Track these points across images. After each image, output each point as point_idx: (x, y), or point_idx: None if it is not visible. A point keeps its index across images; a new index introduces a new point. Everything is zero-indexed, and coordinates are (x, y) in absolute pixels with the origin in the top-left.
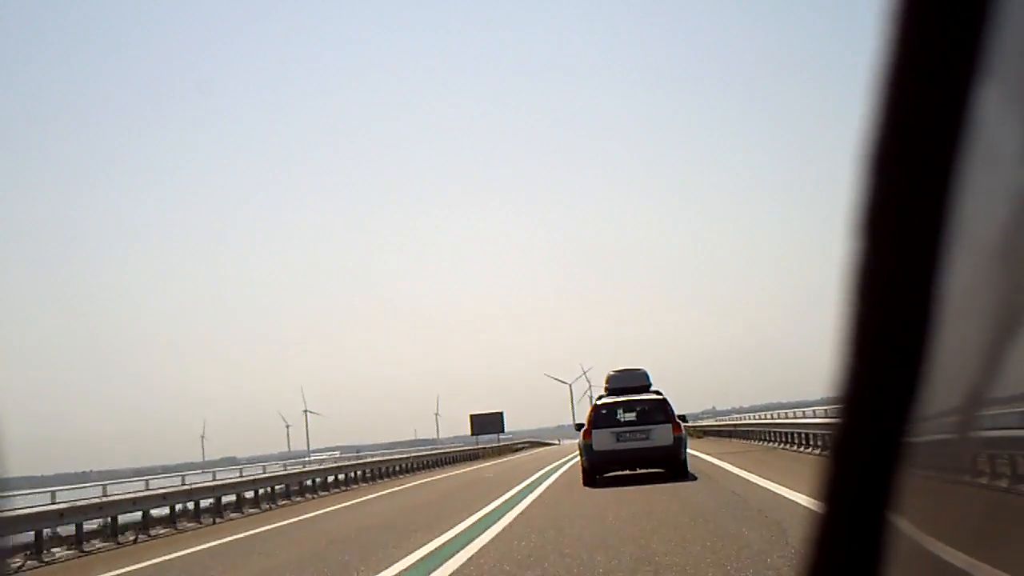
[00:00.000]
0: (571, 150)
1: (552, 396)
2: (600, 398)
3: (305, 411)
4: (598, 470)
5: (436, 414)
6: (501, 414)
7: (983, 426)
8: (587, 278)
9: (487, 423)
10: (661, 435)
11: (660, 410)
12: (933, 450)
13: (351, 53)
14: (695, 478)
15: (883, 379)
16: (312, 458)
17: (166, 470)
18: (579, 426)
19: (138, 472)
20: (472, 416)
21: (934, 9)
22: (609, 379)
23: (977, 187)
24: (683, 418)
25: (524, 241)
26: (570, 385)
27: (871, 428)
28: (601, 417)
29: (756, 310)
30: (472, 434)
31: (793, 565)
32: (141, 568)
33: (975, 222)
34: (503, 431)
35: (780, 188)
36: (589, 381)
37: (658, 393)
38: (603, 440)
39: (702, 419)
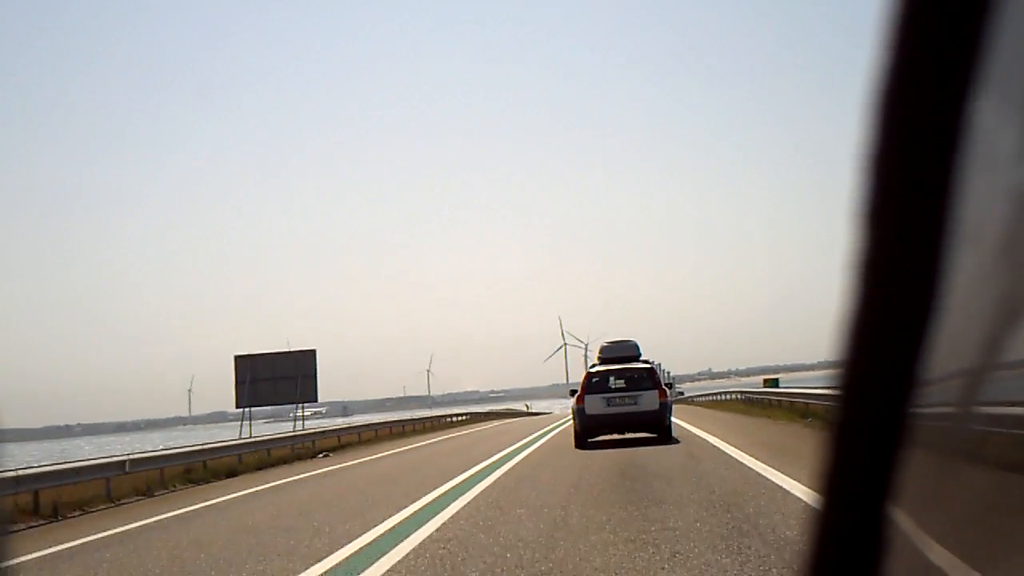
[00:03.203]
0: (570, 122)
1: (553, 358)
2: (593, 366)
3: None
4: (589, 433)
5: (428, 371)
6: (312, 355)
7: (986, 401)
8: (588, 245)
9: (269, 382)
10: (648, 401)
11: (648, 378)
12: (934, 429)
13: (345, 45)
14: (678, 442)
15: (883, 372)
16: (296, 415)
17: (151, 424)
18: (573, 391)
19: (122, 427)
20: (237, 360)
21: (933, 9)
22: (602, 349)
23: (976, 185)
24: (670, 385)
25: (525, 209)
26: (564, 344)
27: (870, 422)
28: (593, 384)
29: (753, 276)
30: (238, 404)
31: None
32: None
33: (975, 219)
34: (314, 397)
35: (781, 159)
36: (587, 358)
37: (647, 362)
38: (595, 405)
39: (699, 380)
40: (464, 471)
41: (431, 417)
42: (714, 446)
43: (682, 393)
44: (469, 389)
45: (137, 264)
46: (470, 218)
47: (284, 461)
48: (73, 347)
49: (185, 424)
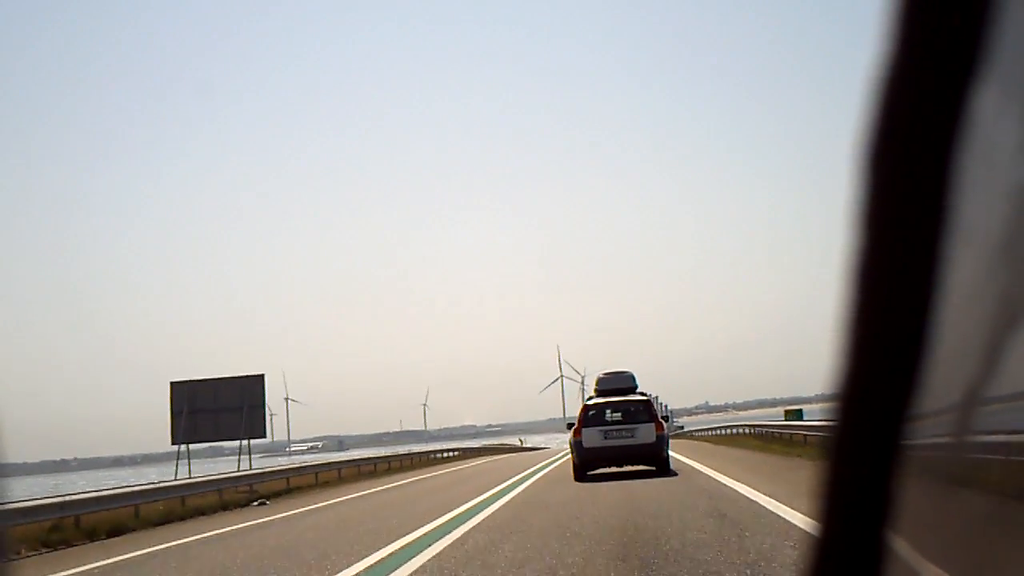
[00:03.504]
0: (567, 151)
1: (551, 391)
2: (590, 399)
3: (287, 399)
4: (588, 466)
5: (424, 405)
6: (259, 381)
7: (983, 428)
8: (584, 276)
9: (210, 414)
10: (645, 433)
11: (644, 411)
12: (932, 454)
13: (342, 51)
14: (676, 474)
15: (882, 377)
16: (292, 449)
17: (148, 459)
18: (570, 424)
19: (119, 461)
20: (173, 387)
21: (933, 7)
22: (598, 381)
23: (975, 183)
24: (666, 418)
25: (520, 238)
26: (561, 376)
27: (869, 430)
28: (590, 417)
29: (750, 308)
30: (173, 440)
31: None
32: None
33: (974, 218)
34: (262, 432)
35: (777, 185)
36: (583, 390)
37: (643, 395)
38: (592, 438)
39: (696, 413)
40: (408, 533)
41: (417, 453)
42: (752, 501)
43: (682, 427)
44: (467, 423)
45: (132, 296)
46: (467, 250)
47: (202, 512)
48: (70, 380)
49: (182, 459)
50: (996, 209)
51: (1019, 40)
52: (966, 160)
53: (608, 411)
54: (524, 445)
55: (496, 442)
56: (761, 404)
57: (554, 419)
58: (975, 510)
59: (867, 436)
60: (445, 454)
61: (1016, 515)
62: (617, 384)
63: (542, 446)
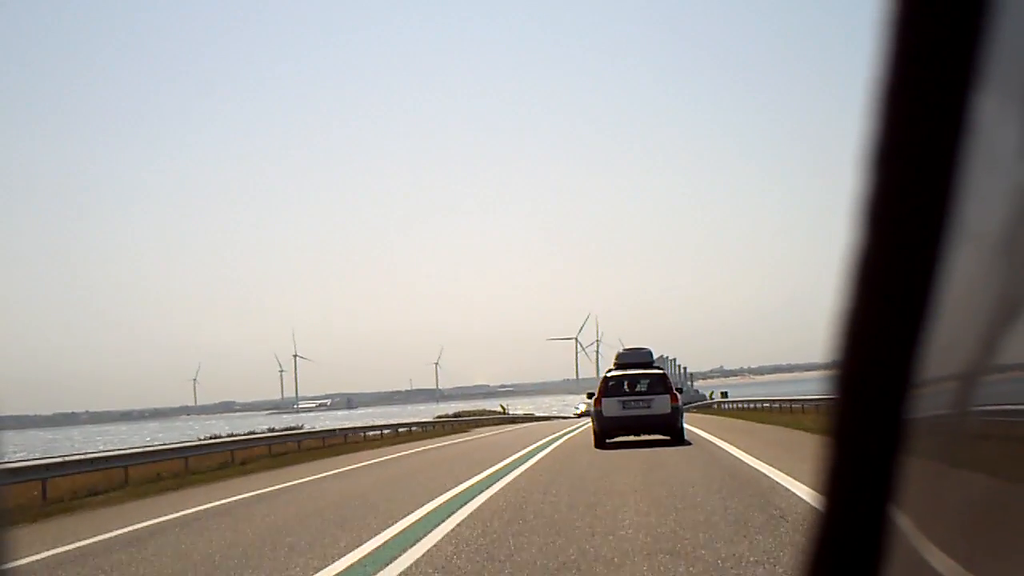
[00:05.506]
0: (586, 119)
1: (562, 352)
2: (610, 371)
3: (295, 356)
4: (608, 434)
5: (435, 364)
6: None
7: (978, 425)
8: (603, 243)
9: None
10: (660, 404)
11: (660, 383)
12: (930, 451)
13: (335, 46)
14: (690, 443)
15: (881, 370)
16: (300, 406)
17: (157, 413)
18: (590, 394)
19: (127, 415)
20: None
21: (934, 9)
22: (618, 356)
23: (977, 183)
24: (680, 390)
25: (543, 206)
26: (576, 338)
27: (870, 423)
28: (610, 388)
29: (767, 273)
30: None
31: None
32: None
33: (974, 217)
34: None
35: (792, 164)
36: (599, 355)
37: (659, 368)
38: (611, 407)
39: (711, 377)
40: None
41: (354, 428)
42: None
43: (725, 394)
44: (479, 383)
45: (146, 254)
46: (486, 210)
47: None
48: (83, 335)
49: (189, 414)
50: (997, 209)
51: (1017, 41)
52: (968, 161)
53: (626, 383)
54: (506, 413)
55: (475, 407)
56: (777, 369)
57: (568, 379)
58: (977, 487)
59: (869, 412)
60: (411, 428)
61: (1017, 492)
62: (635, 359)
63: (541, 414)
